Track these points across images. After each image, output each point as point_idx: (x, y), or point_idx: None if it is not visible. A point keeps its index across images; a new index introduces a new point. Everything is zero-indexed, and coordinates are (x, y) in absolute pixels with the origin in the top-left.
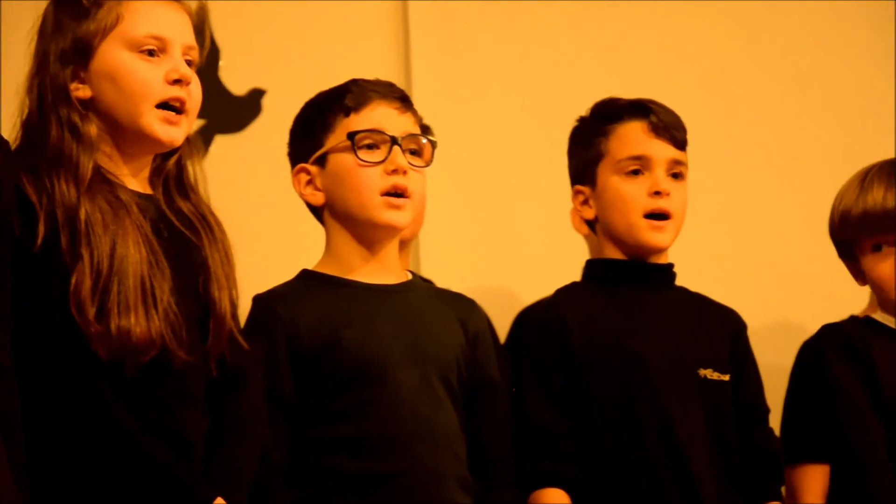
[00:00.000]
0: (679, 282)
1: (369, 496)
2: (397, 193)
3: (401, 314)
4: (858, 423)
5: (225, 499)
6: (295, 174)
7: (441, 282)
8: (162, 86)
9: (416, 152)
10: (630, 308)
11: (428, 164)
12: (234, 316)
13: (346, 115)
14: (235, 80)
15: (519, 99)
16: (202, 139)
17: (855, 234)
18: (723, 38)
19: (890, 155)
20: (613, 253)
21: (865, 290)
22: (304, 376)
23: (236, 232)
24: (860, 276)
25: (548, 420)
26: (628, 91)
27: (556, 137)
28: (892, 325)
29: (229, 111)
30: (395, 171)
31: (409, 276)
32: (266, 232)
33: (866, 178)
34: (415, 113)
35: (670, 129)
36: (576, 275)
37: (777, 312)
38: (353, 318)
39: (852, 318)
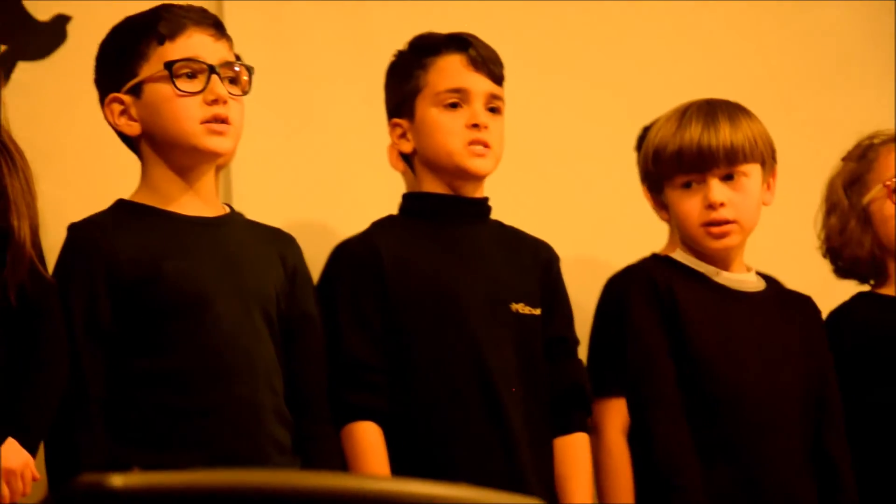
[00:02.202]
0: (494, 216)
1: (188, 427)
2: (218, 122)
3: (220, 247)
4: (648, 364)
5: (19, 437)
6: (107, 104)
7: (252, 215)
8: None
9: (233, 80)
10: (445, 242)
11: (245, 92)
12: (36, 245)
13: (161, 43)
14: (39, 6)
15: (336, 28)
16: (4, 66)
17: (667, 169)
18: None
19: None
20: (431, 186)
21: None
22: (124, 307)
23: (40, 160)
24: (663, 211)
25: (360, 352)
26: (448, 25)
27: (375, 68)
28: (691, 265)
29: (33, 37)
30: (215, 101)
31: (227, 210)
32: (72, 161)
33: (685, 114)
34: (229, 39)
35: (488, 63)
36: (393, 210)
37: (588, 246)
38: (174, 250)
39: (654, 257)
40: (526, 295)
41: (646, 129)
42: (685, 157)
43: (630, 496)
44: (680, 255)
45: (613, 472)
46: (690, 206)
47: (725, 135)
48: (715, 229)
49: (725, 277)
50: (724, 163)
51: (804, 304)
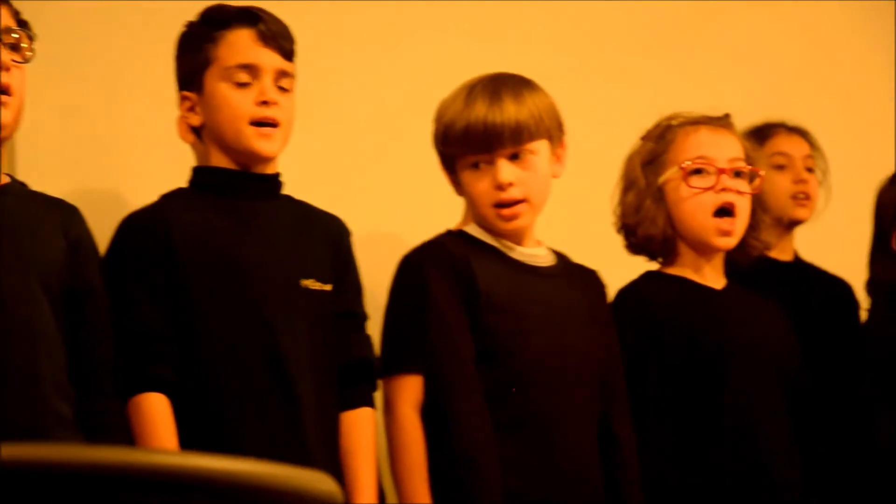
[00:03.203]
0: (286, 191)
1: None
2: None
3: (1, 217)
4: (448, 341)
5: None
6: None
7: (38, 186)
8: None
9: (14, 47)
10: (235, 217)
11: (27, 60)
12: None
13: None
14: None
15: None
16: None
17: (457, 149)
18: None
19: None
20: (221, 161)
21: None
22: None
23: None
24: (459, 187)
25: (148, 324)
26: None
27: (164, 34)
28: (486, 240)
29: None
30: None
31: (8, 179)
32: None
33: (471, 92)
34: (9, 6)
35: (278, 38)
36: (182, 183)
37: (381, 221)
38: None
39: (450, 233)
40: (317, 271)
41: None
42: (472, 137)
43: (423, 473)
44: (474, 230)
45: (406, 449)
46: (481, 186)
47: (510, 113)
48: (505, 211)
49: (519, 252)
50: (511, 142)
51: (591, 277)
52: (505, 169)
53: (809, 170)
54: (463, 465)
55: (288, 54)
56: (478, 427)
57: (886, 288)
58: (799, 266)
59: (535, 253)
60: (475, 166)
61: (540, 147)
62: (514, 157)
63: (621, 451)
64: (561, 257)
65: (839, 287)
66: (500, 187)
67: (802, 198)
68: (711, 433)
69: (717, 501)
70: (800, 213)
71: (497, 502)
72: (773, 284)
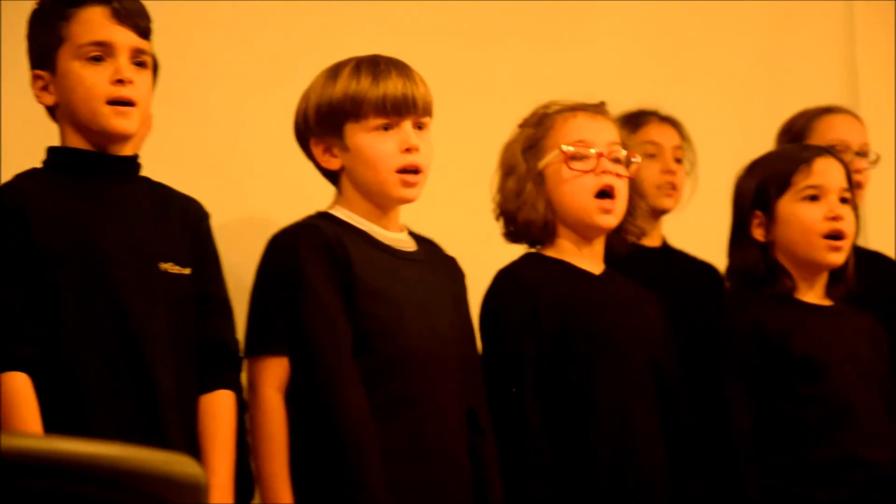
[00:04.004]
0: (144, 173)
1: None
2: None
3: None
4: (325, 324)
5: None
6: None
7: None
8: None
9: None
10: (91, 199)
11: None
12: None
13: None
14: None
15: None
16: None
17: (363, 111)
18: None
19: None
20: (76, 141)
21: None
22: None
23: None
24: (328, 165)
25: (8, 303)
26: None
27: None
28: (354, 223)
29: None
30: None
31: None
32: None
33: (371, 68)
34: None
35: (133, 16)
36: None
37: (246, 205)
38: None
39: (321, 214)
40: (175, 254)
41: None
42: (389, 101)
43: (283, 456)
44: (342, 213)
45: (269, 432)
46: (386, 148)
47: (420, 84)
48: (412, 178)
49: (385, 236)
50: (423, 112)
51: (452, 264)
52: (413, 133)
53: (678, 160)
54: (347, 450)
55: (144, 32)
56: (359, 412)
57: (744, 275)
58: (667, 252)
59: (399, 237)
60: (384, 129)
61: (430, 124)
62: (417, 128)
63: (486, 437)
64: (421, 243)
65: (707, 272)
66: (410, 150)
67: (669, 188)
68: (585, 417)
69: (589, 486)
70: (665, 202)
71: (381, 487)
72: (642, 270)
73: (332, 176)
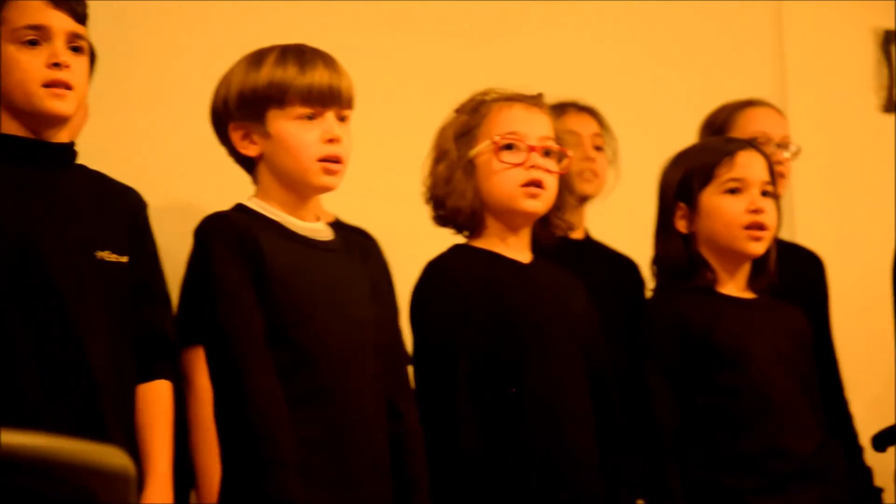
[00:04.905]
0: (81, 161)
1: None
2: None
3: None
4: (236, 317)
5: None
6: None
7: None
8: None
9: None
10: (27, 187)
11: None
12: None
13: None
14: None
15: None
16: None
17: (287, 99)
18: None
19: None
20: (11, 128)
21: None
22: None
23: None
24: (253, 146)
25: None
26: None
27: None
28: (269, 214)
29: None
30: None
31: None
32: None
33: (296, 56)
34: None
35: (70, 0)
36: None
37: (180, 193)
38: None
39: (239, 206)
40: (112, 242)
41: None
42: (315, 91)
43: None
44: (256, 204)
45: (203, 421)
46: (309, 137)
47: (346, 76)
48: (333, 166)
49: (300, 226)
50: (346, 104)
51: (371, 247)
52: (336, 124)
53: (598, 148)
54: (258, 441)
55: (80, 17)
56: (273, 403)
57: (668, 266)
58: (589, 244)
59: (315, 228)
60: (308, 118)
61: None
62: (339, 119)
63: (404, 423)
64: (338, 231)
65: (626, 265)
66: (332, 140)
67: (590, 175)
68: (517, 406)
69: (521, 476)
70: (585, 188)
71: (295, 479)
72: (565, 261)
73: (248, 163)
